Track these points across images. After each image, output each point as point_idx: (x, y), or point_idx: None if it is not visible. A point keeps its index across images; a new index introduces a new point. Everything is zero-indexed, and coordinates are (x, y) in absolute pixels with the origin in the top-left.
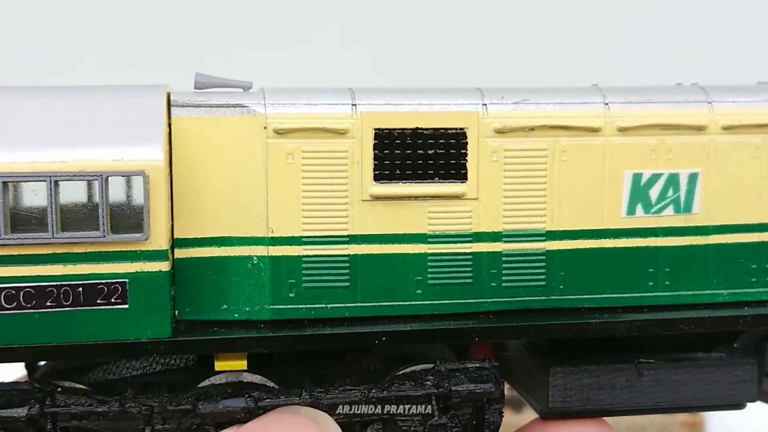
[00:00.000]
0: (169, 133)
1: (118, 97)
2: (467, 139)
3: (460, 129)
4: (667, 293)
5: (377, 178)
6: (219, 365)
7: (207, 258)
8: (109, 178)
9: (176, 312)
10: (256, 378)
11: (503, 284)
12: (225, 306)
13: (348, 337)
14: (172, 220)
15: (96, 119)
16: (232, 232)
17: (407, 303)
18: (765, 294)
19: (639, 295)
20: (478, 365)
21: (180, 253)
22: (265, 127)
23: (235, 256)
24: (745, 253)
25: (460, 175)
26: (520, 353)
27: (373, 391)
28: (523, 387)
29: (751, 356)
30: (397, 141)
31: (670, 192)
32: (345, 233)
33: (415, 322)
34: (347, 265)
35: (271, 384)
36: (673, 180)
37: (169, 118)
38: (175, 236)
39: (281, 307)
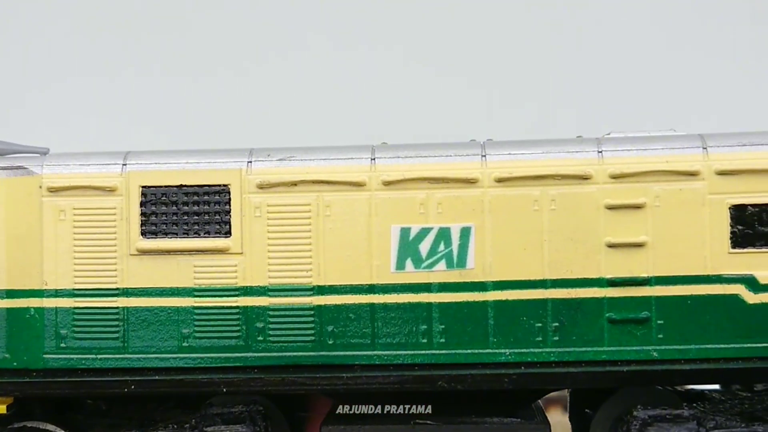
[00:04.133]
0: None
1: None
2: (230, 195)
3: (224, 185)
4: (443, 351)
5: (144, 233)
6: None
7: None
8: None
9: None
10: (52, 427)
11: (270, 339)
12: (7, 355)
13: (93, 384)
14: None
15: None
16: (12, 284)
17: (174, 356)
18: (553, 355)
19: (412, 353)
20: (243, 409)
21: None
22: (40, 186)
23: (15, 307)
24: (528, 311)
25: (225, 230)
26: None
27: None
28: None
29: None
30: (162, 197)
31: (442, 246)
32: (114, 286)
33: (179, 374)
34: (117, 317)
35: None
36: (444, 234)
37: None
38: None
39: (53, 356)
